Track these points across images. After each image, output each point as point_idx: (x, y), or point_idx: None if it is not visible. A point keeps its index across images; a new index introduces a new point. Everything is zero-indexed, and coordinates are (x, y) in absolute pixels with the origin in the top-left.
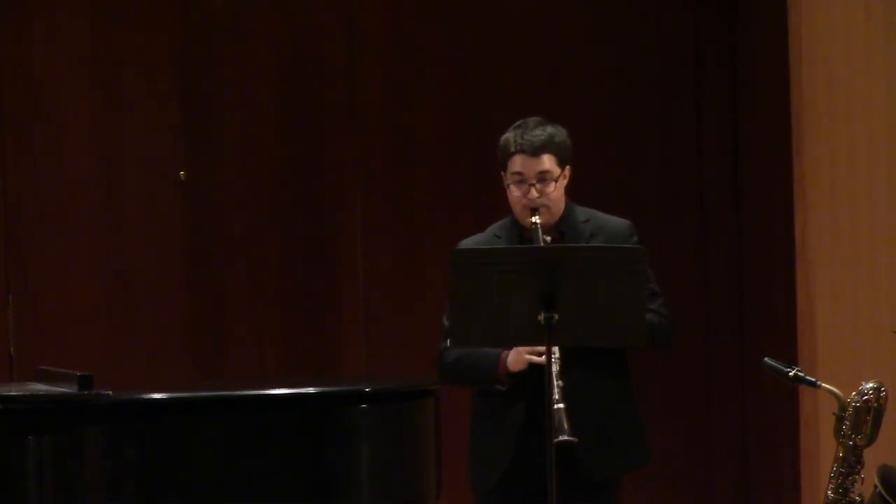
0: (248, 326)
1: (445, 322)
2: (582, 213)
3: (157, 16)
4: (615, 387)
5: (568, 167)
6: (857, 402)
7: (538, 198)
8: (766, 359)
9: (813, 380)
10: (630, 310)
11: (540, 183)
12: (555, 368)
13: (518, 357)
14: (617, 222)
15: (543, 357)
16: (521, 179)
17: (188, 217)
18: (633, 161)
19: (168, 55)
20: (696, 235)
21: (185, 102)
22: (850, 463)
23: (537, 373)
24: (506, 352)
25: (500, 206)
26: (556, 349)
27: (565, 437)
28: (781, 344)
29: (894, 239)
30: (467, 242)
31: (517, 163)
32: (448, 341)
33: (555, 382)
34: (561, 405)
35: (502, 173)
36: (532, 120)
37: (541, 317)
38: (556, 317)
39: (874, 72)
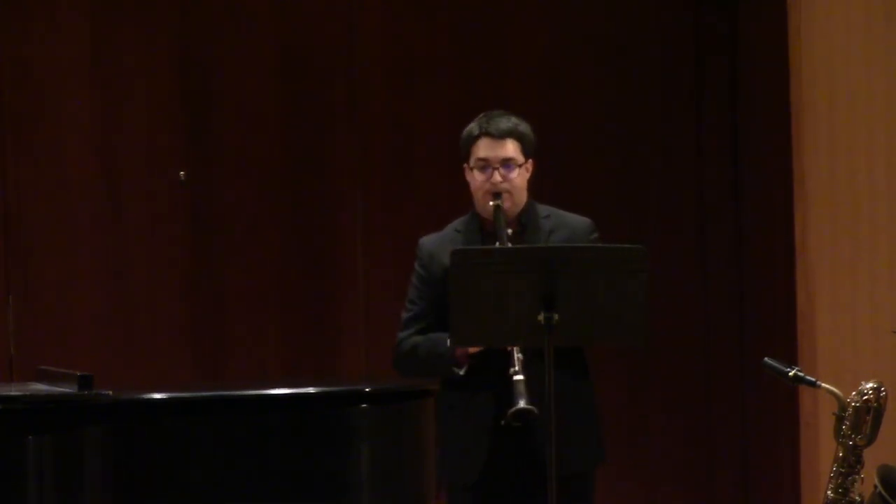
0: (248, 326)
1: (404, 314)
2: (542, 209)
3: (157, 16)
4: (574, 385)
5: (531, 161)
6: (857, 402)
7: (501, 182)
8: (766, 359)
9: (813, 380)
10: (630, 310)
11: (504, 168)
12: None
13: None
14: (578, 220)
15: None
16: (485, 165)
17: (188, 217)
18: (633, 161)
19: (168, 55)
20: (696, 235)
21: (185, 102)
22: (850, 463)
23: (504, 363)
24: None
25: None
26: None
27: (523, 405)
28: (781, 344)
29: (894, 239)
30: (428, 239)
31: (481, 147)
32: (406, 331)
33: (516, 356)
34: (520, 377)
35: (465, 165)
36: (496, 111)
37: (541, 317)
38: (556, 317)
39: (874, 72)
